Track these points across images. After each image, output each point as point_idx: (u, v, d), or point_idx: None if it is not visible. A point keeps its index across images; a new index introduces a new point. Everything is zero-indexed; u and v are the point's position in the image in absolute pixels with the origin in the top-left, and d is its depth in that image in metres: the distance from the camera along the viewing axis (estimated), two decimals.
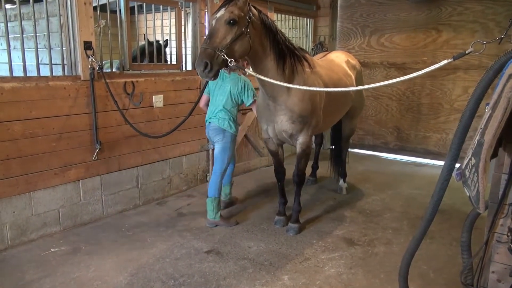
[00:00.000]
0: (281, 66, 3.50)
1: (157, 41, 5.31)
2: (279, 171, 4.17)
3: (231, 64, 3.10)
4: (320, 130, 4.42)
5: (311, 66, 3.80)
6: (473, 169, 1.56)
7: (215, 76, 3.15)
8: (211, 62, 3.04)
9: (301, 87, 3.34)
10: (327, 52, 5.04)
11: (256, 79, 3.53)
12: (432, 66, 2.40)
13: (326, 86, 3.92)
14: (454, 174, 1.72)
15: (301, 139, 3.80)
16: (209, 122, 4.15)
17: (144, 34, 5.13)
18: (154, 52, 4.93)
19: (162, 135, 4.37)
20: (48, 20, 3.75)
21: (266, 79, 3.30)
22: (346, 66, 4.66)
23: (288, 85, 3.36)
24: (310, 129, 3.79)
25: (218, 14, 3.16)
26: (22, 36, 3.63)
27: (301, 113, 3.65)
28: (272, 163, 4.31)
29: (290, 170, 4.24)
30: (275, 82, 3.27)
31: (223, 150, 4.07)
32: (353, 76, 4.65)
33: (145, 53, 4.88)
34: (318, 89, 3.47)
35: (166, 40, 5.16)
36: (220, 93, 4.09)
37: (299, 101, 3.61)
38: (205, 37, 3.22)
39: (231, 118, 4.07)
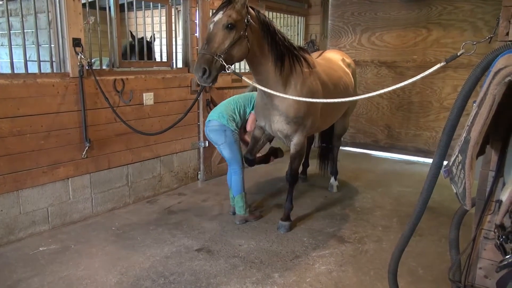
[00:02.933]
0: (279, 67, 3.49)
1: (140, 38, 5.25)
2: (248, 158, 4.09)
3: (228, 70, 3.10)
4: (317, 130, 4.43)
5: (310, 66, 3.80)
6: (460, 166, 1.57)
7: (214, 81, 3.16)
8: (210, 67, 3.05)
9: (297, 98, 3.31)
10: (322, 51, 5.06)
11: (253, 75, 3.55)
12: (427, 71, 2.40)
13: (325, 85, 3.93)
14: (441, 171, 1.73)
15: (295, 140, 3.81)
16: (209, 120, 4.03)
17: (130, 31, 5.06)
18: (145, 50, 4.89)
19: (157, 132, 4.35)
20: (36, 16, 3.70)
21: (263, 88, 3.29)
22: (343, 65, 4.69)
23: (284, 95, 3.31)
24: (305, 130, 3.80)
25: (216, 18, 3.13)
26: (10, 32, 3.58)
27: (297, 114, 3.65)
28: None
29: (282, 168, 4.25)
30: (272, 92, 3.23)
31: (231, 150, 3.95)
32: (350, 75, 4.69)
33: (134, 50, 4.84)
34: (311, 100, 3.38)
35: (151, 36, 5.11)
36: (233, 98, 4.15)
37: (294, 102, 3.60)
38: (203, 41, 3.21)
39: (234, 116, 3.98)
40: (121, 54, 4.47)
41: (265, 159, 4.26)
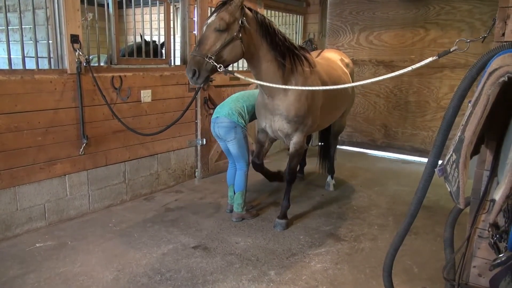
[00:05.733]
0: (280, 67, 3.51)
1: (154, 41, 5.19)
2: (255, 162, 4.10)
3: (220, 70, 3.13)
4: (318, 129, 4.45)
5: (311, 66, 3.81)
6: (454, 165, 1.59)
7: (205, 82, 3.22)
8: (199, 69, 3.11)
9: (296, 87, 3.33)
10: (321, 51, 5.08)
11: (253, 75, 3.57)
12: (417, 64, 2.43)
13: (325, 84, 3.93)
14: (436, 170, 1.75)
15: (295, 139, 3.83)
16: (217, 117, 3.99)
17: (140, 34, 5.02)
18: (151, 52, 4.88)
19: (152, 133, 4.37)
20: (34, 12, 3.69)
21: (261, 83, 3.30)
22: (341, 64, 4.71)
23: (283, 86, 3.34)
24: (305, 129, 3.82)
25: (209, 21, 3.19)
26: (7, 28, 3.57)
27: (297, 113, 3.66)
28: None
29: (280, 167, 4.26)
30: (270, 85, 3.26)
31: (239, 146, 3.98)
32: (349, 74, 4.71)
33: (141, 52, 4.81)
34: (313, 88, 3.41)
35: (163, 43, 5.05)
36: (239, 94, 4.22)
37: (295, 101, 3.62)
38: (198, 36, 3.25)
39: (242, 113, 4.00)
40: (128, 55, 4.46)
41: (272, 177, 4.40)
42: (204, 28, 3.19)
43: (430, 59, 2.35)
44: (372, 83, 2.81)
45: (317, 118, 3.93)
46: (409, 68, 2.45)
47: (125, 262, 3.29)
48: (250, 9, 3.37)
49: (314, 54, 4.87)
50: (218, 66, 3.12)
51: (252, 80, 3.38)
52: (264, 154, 4.19)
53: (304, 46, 6.50)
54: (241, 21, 3.21)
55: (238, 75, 3.31)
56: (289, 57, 3.56)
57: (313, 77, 3.80)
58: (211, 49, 3.12)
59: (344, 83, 4.38)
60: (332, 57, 4.75)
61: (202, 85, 3.23)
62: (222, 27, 3.11)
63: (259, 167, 4.10)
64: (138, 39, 5.13)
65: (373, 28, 6.85)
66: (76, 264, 3.24)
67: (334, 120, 4.70)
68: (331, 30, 7.30)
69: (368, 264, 3.36)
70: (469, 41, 2.21)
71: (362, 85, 7.00)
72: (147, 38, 5.25)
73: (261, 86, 3.59)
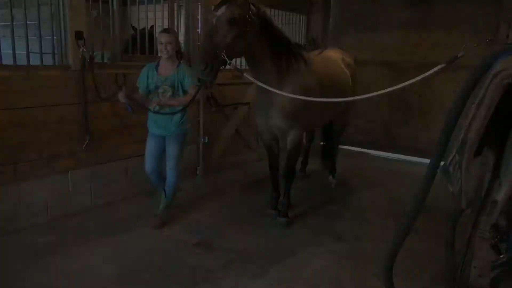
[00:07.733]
0: (276, 63, 3.51)
1: (143, 29, 5.20)
2: (272, 165, 4.17)
3: (229, 64, 3.11)
4: (314, 126, 4.45)
5: (306, 64, 3.81)
6: (457, 166, 1.60)
7: (215, 76, 3.16)
8: (212, 62, 3.06)
9: (293, 95, 3.33)
10: (323, 49, 5.08)
11: (250, 70, 3.57)
12: (427, 73, 2.43)
13: (321, 83, 3.94)
14: (438, 170, 1.76)
15: (291, 136, 3.83)
16: None
17: (131, 25, 5.03)
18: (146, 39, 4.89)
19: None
20: (39, 8, 3.71)
21: (262, 84, 3.30)
22: (342, 64, 4.70)
23: (281, 92, 3.34)
24: (302, 125, 3.82)
25: (219, 12, 3.14)
26: (12, 24, 3.58)
27: (293, 109, 3.66)
28: (263, 157, 4.33)
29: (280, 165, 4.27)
30: (270, 88, 3.26)
31: None
32: (348, 74, 4.69)
33: (136, 43, 4.81)
34: (309, 99, 3.40)
35: (152, 26, 5.05)
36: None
37: (290, 98, 3.62)
38: (205, 35, 3.21)
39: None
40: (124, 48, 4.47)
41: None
42: (214, 20, 3.15)
43: (438, 66, 2.35)
44: (377, 93, 2.79)
45: (313, 115, 3.93)
46: (419, 78, 2.45)
47: (127, 258, 3.30)
48: (253, 4, 3.37)
49: (315, 52, 4.88)
50: (228, 61, 3.09)
51: (256, 82, 3.37)
52: (278, 155, 4.18)
53: (305, 45, 6.53)
54: (249, 16, 3.20)
55: (247, 76, 3.29)
56: (285, 54, 3.57)
57: (308, 75, 3.80)
58: (223, 42, 3.10)
59: (342, 83, 4.38)
60: (332, 56, 4.74)
61: (212, 79, 3.18)
62: (233, 19, 3.09)
63: (275, 170, 4.17)
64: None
65: (377, 29, 6.84)
66: (77, 259, 3.26)
67: (332, 118, 4.69)
68: (334, 30, 7.30)
69: (368, 264, 3.37)
70: (475, 45, 2.20)
71: (364, 85, 6.98)
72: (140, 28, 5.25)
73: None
